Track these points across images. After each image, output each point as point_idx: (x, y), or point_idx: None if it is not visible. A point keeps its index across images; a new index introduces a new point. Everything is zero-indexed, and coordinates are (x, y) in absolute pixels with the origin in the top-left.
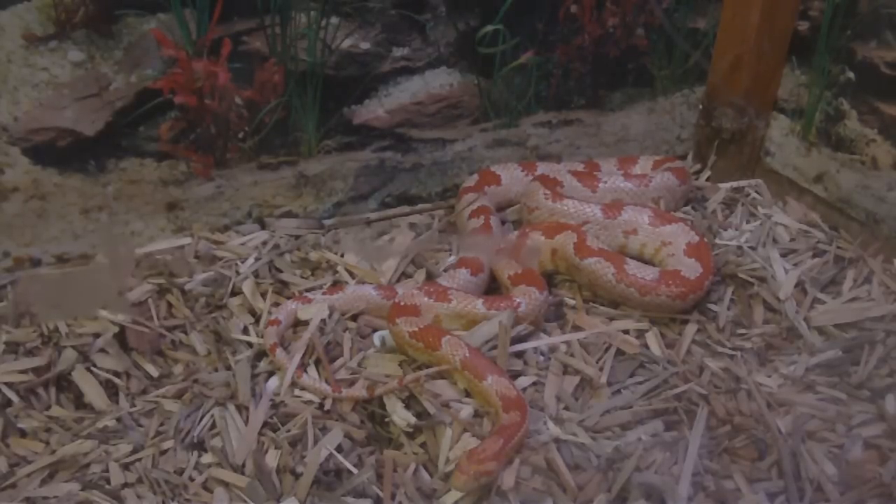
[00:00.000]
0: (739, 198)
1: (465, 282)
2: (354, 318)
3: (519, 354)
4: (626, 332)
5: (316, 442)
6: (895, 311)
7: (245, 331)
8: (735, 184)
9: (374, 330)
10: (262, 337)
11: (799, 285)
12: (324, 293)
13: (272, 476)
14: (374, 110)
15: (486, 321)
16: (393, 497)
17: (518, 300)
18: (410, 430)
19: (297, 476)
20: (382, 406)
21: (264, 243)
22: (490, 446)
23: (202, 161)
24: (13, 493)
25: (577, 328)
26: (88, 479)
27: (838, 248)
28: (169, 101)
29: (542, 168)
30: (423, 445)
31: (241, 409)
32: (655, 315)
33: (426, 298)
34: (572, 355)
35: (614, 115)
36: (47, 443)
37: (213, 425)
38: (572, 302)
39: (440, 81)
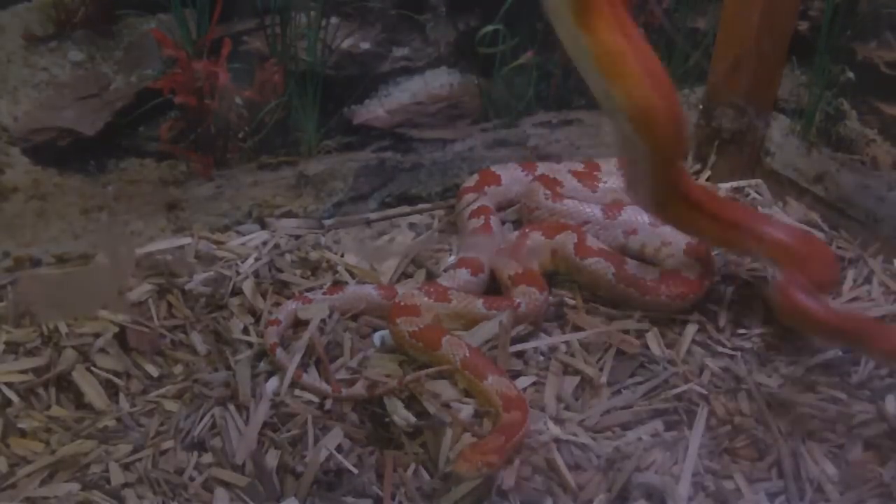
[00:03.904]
0: (740, 198)
1: (465, 282)
2: (354, 318)
3: (519, 354)
4: (626, 332)
5: (316, 442)
6: (895, 311)
7: (245, 331)
8: (735, 184)
9: (374, 330)
10: (262, 337)
11: None
12: (324, 293)
13: (272, 476)
14: (374, 110)
15: (486, 321)
16: (393, 497)
17: (518, 300)
18: (410, 430)
19: (297, 476)
20: (382, 406)
21: (264, 243)
22: (492, 441)
23: (202, 161)
24: (13, 493)
25: (577, 328)
26: (88, 479)
27: (838, 248)
28: (169, 101)
29: (543, 168)
30: (423, 445)
31: (242, 409)
32: (655, 315)
33: (426, 298)
34: (572, 355)
35: None
36: (47, 443)
37: (213, 425)
38: (572, 302)
39: (440, 81)
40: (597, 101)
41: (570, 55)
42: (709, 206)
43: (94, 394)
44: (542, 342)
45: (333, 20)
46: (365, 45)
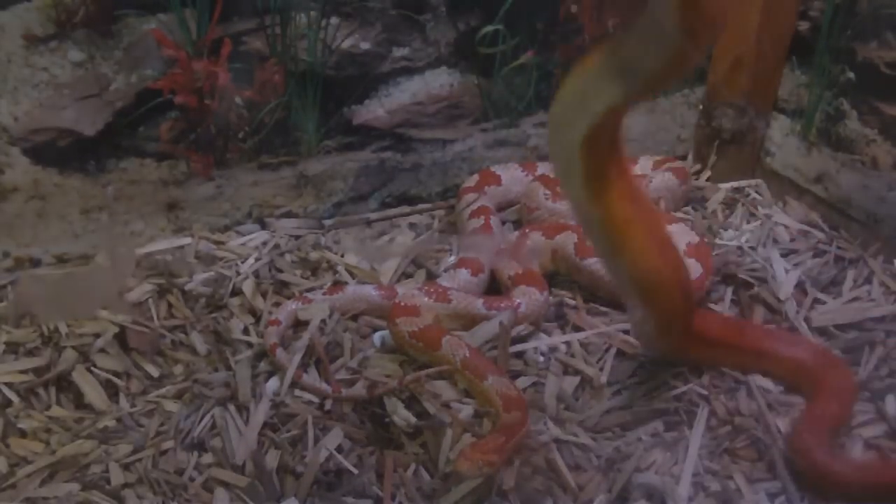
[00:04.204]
0: (739, 198)
1: (465, 282)
2: (354, 318)
3: (519, 355)
4: (626, 332)
5: (316, 442)
6: (895, 312)
7: (245, 331)
8: (735, 184)
9: (374, 330)
10: (262, 337)
11: (799, 285)
12: (324, 293)
13: (272, 476)
14: (374, 110)
15: (486, 321)
16: (393, 497)
17: (518, 300)
18: (410, 430)
19: (297, 476)
20: (382, 406)
21: (264, 243)
22: (492, 441)
23: (202, 161)
24: (13, 494)
25: (577, 328)
26: (88, 480)
27: (838, 248)
28: (169, 101)
29: (543, 168)
30: (423, 446)
31: (242, 409)
32: None
33: (426, 299)
34: (572, 355)
35: None
36: (47, 443)
37: (214, 425)
38: (572, 302)
39: (440, 81)
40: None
41: (578, 219)
42: (723, 337)
43: (94, 394)
44: (542, 342)
45: (333, 20)
46: (365, 45)
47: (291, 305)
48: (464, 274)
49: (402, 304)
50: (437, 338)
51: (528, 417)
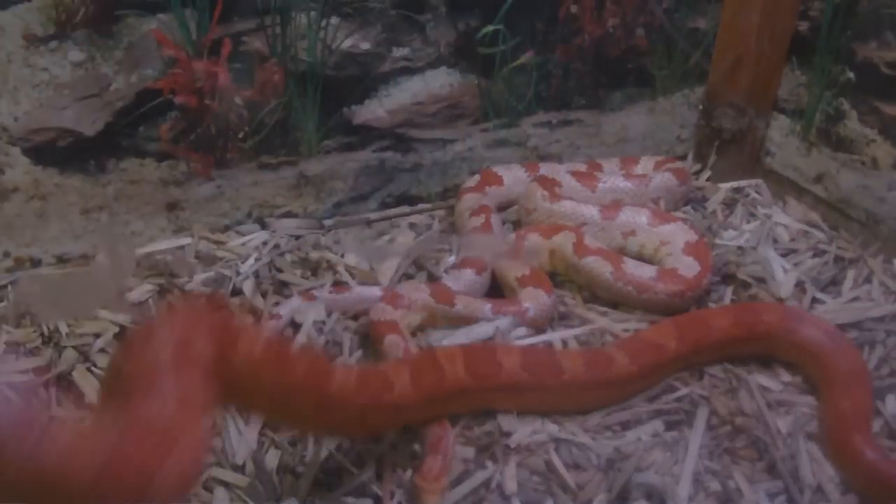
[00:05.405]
0: (739, 198)
1: (470, 282)
2: (355, 317)
3: None
4: (625, 330)
5: (316, 442)
6: (895, 312)
7: None
8: (735, 184)
9: None
10: None
11: (799, 285)
12: (329, 292)
13: (272, 476)
14: (374, 110)
15: (484, 322)
16: (392, 497)
17: (526, 305)
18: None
19: (297, 476)
20: None
21: (264, 243)
22: (434, 464)
23: (202, 161)
24: None
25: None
26: None
27: (838, 248)
28: (169, 101)
29: (544, 168)
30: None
31: None
32: (655, 314)
33: (430, 300)
34: None
35: (614, 115)
36: None
37: (213, 425)
38: (573, 302)
39: (440, 81)
40: None
41: None
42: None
43: (94, 394)
44: (540, 338)
45: (333, 20)
46: (365, 45)
47: (294, 301)
48: (468, 273)
49: (392, 294)
50: (381, 334)
51: (448, 428)
